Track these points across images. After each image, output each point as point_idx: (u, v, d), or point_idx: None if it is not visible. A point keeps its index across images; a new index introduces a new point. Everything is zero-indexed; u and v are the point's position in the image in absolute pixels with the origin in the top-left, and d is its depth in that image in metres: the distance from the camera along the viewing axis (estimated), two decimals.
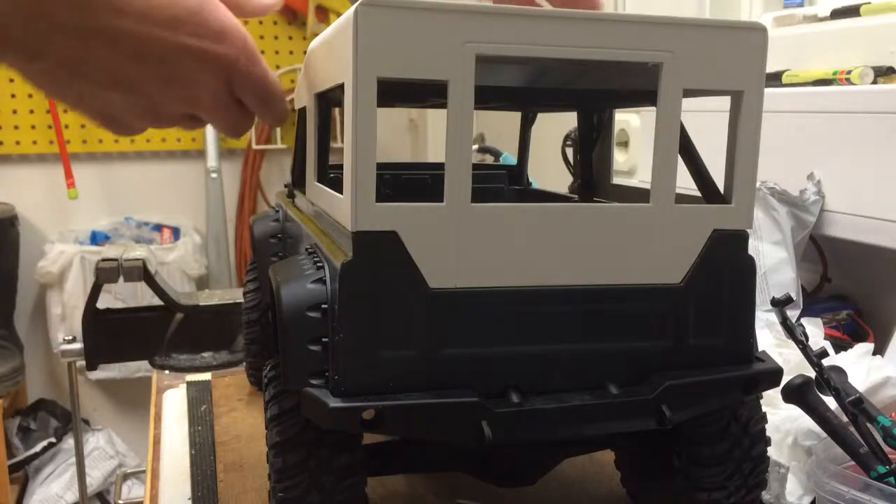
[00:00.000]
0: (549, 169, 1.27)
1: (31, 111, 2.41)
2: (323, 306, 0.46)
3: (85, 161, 2.47)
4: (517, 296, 0.47)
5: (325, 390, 0.46)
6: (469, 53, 0.43)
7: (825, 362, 0.59)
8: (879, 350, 0.80)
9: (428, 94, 0.58)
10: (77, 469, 1.49)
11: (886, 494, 0.51)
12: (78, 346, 1.17)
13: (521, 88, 0.64)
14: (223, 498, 0.70)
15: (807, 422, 0.62)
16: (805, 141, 0.96)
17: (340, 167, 0.48)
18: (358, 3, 0.42)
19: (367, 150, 0.43)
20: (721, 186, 0.52)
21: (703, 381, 0.50)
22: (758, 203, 0.95)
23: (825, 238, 0.97)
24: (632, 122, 1.39)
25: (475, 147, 1.56)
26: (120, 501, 1.84)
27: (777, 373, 0.53)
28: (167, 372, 1.05)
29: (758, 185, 0.95)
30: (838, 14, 1.08)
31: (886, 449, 0.56)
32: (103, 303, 1.09)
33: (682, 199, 0.49)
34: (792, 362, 0.70)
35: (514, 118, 0.84)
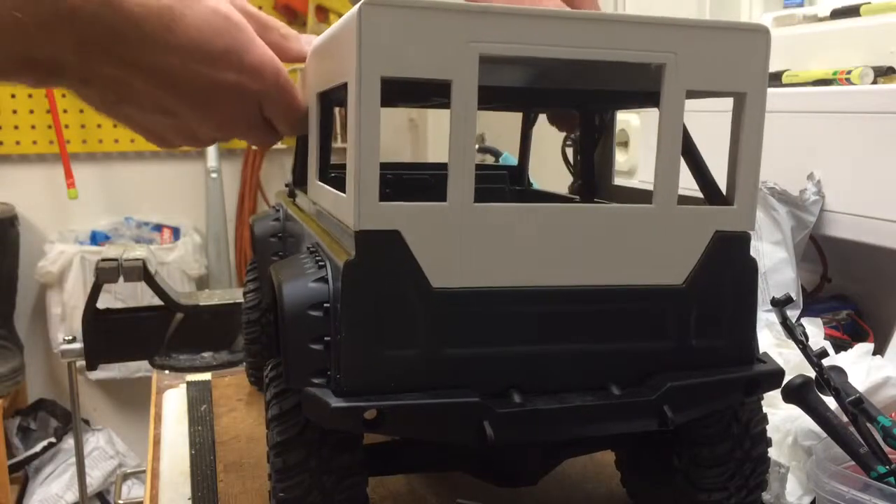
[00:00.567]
0: (550, 169, 1.27)
1: (31, 111, 2.41)
2: (325, 305, 0.46)
3: (85, 161, 2.47)
4: (520, 296, 0.47)
5: (326, 390, 0.46)
6: (473, 53, 0.43)
7: (825, 362, 0.59)
8: (879, 350, 0.80)
9: (430, 93, 0.59)
10: (77, 469, 1.49)
11: (886, 494, 0.51)
12: (78, 346, 1.17)
13: (522, 89, 0.64)
14: (223, 498, 0.70)
15: (807, 422, 0.62)
16: (805, 141, 0.96)
17: (342, 167, 0.48)
18: (362, 2, 0.41)
19: (370, 149, 0.43)
20: (723, 187, 0.52)
21: (704, 382, 0.50)
22: (758, 203, 0.95)
23: (825, 238, 0.97)
24: (632, 122, 1.39)
25: (476, 147, 1.56)
26: (120, 501, 1.84)
27: (778, 374, 0.53)
28: (167, 372, 1.05)
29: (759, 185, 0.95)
30: (838, 14, 1.08)
31: (886, 449, 0.56)
32: (103, 303, 1.09)
33: (683, 200, 0.49)
34: (792, 362, 0.70)
35: (514, 118, 0.84)
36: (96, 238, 2.43)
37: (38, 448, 2.28)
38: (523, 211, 0.47)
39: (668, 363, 0.50)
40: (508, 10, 0.43)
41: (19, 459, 2.27)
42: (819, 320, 0.85)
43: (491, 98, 0.65)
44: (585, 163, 0.74)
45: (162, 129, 0.58)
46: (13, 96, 2.38)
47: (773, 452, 0.61)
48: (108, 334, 1.11)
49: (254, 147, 2.56)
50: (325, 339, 0.46)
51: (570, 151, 0.81)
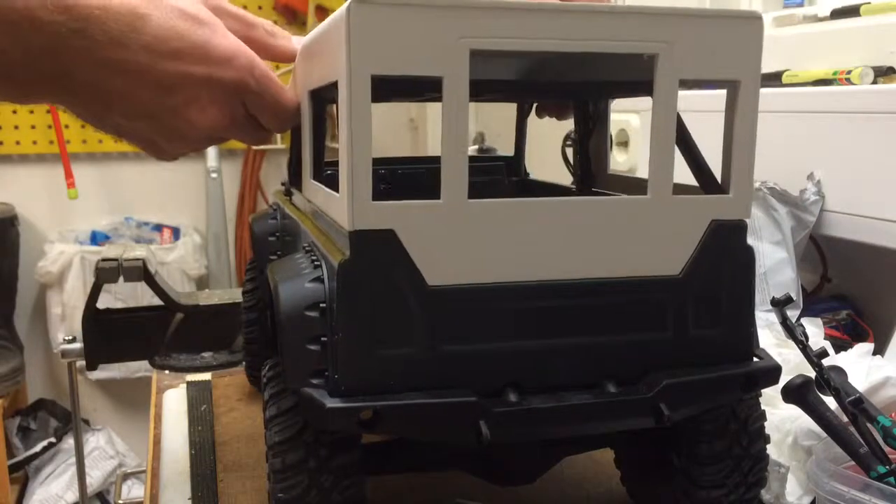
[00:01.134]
0: (550, 169, 1.27)
1: (31, 111, 2.41)
2: (321, 305, 0.46)
3: (85, 161, 2.47)
4: (515, 291, 0.47)
5: (322, 390, 0.46)
6: (463, 49, 0.43)
7: (825, 362, 0.59)
8: (879, 350, 0.79)
9: (424, 88, 0.58)
10: (77, 469, 1.48)
11: (886, 494, 0.51)
12: (78, 346, 1.17)
13: (514, 80, 0.64)
14: (223, 498, 0.69)
15: (807, 422, 0.62)
16: (805, 141, 0.96)
17: (337, 164, 0.48)
18: (350, 1, 0.41)
19: (362, 148, 0.43)
20: (718, 177, 0.52)
21: (701, 379, 0.50)
22: (758, 203, 0.95)
23: (825, 238, 0.97)
24: (632, 122, 1.39)
25: (475, 147, 1.56)
26: (120, 501, 1.83)
27: (776, 370, 0.52)
28: (167, 372, 1.05)
29: (758, 185, 0.95)
30: (838, 14, 1.08)
31: (886, 449, 0.56)
32: (103, 303, 1.09)
33: (678, 189, 0.49)
34: (792, 362, 0.70)
35: (513, 118, 0.84)
36: (96, 238, 2.43)
37: (38, 448, 2.28)
38: (517, 206, 0.47)
39: (666, 357, 0.50)
40: (498, 4, 0.43)
41: (19, 459, 2.27)
42: (819, 320, 0.85)
43: (482, 90, 0.65)
44: (581, 153, 0.74)
45: (150, 134, 0.58)
46: None
47: (773, 452, 0.61)
48: (108, 334, 1.10)
49: (254, 148, 2.57)
50: (322, 339, 0.46)
51: (570, 151, 0.81)
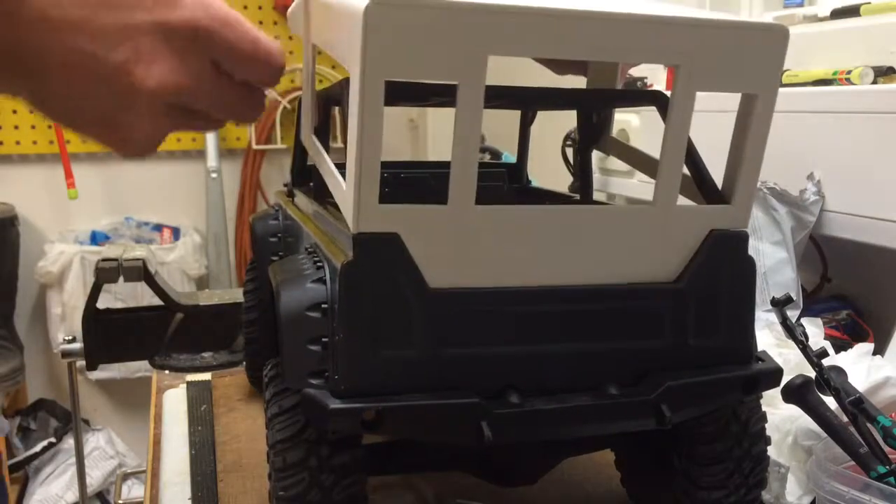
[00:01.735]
0: (550, 169, 1.27)
1: (32, 111, 2.41)
2: (323, 306, 0.46)
3: (85, 161, 2.47)
4: (517, 296, 0.47)
5: (324, 391, 0.46)
6: (481, 55, 0.41)
7: (825, 362, 0.59)
8: (879, 350, 0.79)
9: (430, 93, 0.58)
10: (77, 469, 1.48)
11: (886, 494, 0.51)
12: (78, 346, 1.17)
13: (520, 88, 0.64)
14: (223, 498, 0.69)
15: (807, 422, 0.62)
16: (805, 141, 0.96)
17: (342, 166, 0.48)
18: (368, 2, 0.40)
19: (371, 152, 0.42)
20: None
21: (702, 381, 0.50)
22: (758, 203, 0.95)
23: (825, 238, 0.97)
24: (632, 122, 1.39)
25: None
26: (120, 501, 1.83)
27: (777, 373, 0.53)
28: (167, 372, 1.05)
29: (758, 185, 0.95)
30: (838, 14, 1.08)
31: (886, 449, 0.56)
32: (103, 303, 1.09)
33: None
34: (792, 362, 0.70)
35: (514, 119, 0.84)
36: (96, 238, 2.43)
37: (38, 448, 2.28)
38: (522, 212, 0.47)
39: (666, 362, 0.50)
40: (519, 8, 0.41)
41: (19, 459, 2.27)
42: (819, 320, 0.85)
43: (489, 97, 0.65)
44: (584, 162, 0.74)
45: (105, 109, 0.48)
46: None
47: (773, 452, 0.61)
48: (108, 334, 1.11)
49: (254, 147, 2.57)
50: (323, 339, 0.46)
51: (570, 151, 0.81)
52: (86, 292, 1.15)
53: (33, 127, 2.43)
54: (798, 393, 0.60)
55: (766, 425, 0.57)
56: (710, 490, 0.56)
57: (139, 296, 1.89)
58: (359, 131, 0.42)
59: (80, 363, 1.19)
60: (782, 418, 0.66)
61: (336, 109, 0.63)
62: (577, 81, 0.66)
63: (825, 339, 0.81)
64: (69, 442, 2.29)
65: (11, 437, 2.32)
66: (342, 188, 0.47)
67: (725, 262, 0.50)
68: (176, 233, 2.52)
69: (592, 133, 0.73)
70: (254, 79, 0.51)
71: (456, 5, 0.41)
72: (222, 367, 1.05)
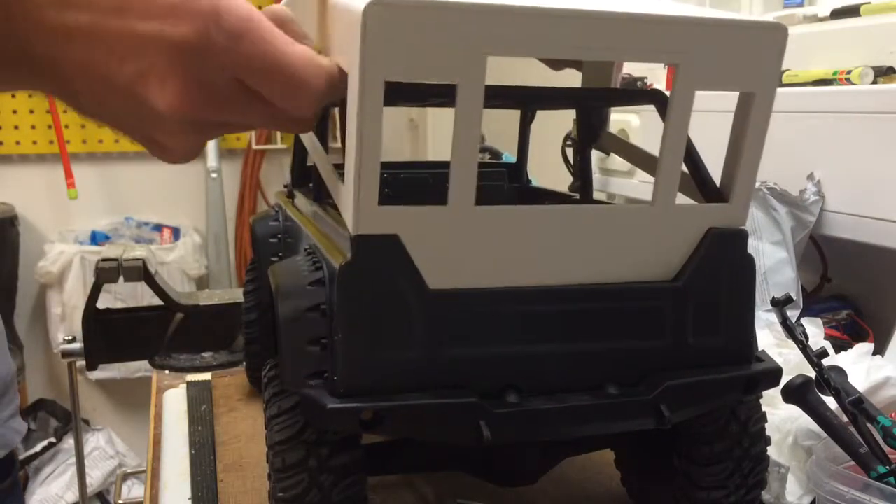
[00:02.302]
0: (549, 169, 1.27)
1: (31, 111, 2.41)
2: (322, 307, 0.46)
3: (85, 161, 2.47)
4: (517, 296, 0.47)
5: (323, 391, 0.46)
6: (481, 55, 0.41)
7: (825, 362, 0.59)
8: (879, 350, 0.79)
9: (429, 93, 0.58)
10: (77, 469, 1.49)
11: (886, 494, 0.51)
12: (78, 346, 1.17)
13: (520, 87, 0.64)
14: (223, 498, 0.69)
15: (807, 422, 0.62)
16: (805, 141, 0.96)
17: (340, 166, 0.48)
18: (367, 2, 0.39)
19: (371, 153, 0.42)
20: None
21: (702, 381, 0.50)
22: (758, 203, 0.95)
23: (825, 238, 0.97)
24: (632, 122, 1.39)
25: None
26: (120, 501, 1.84)
27: (777, 372, 0.52)
28: (167, 372, 1.05)
29: (758, 185, 0.95)
30: (838, 14, 1.07)
31: (886, 449, 0.56)
32: (103, 303, 1.09)
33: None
34: (792, 362, 0.70)
35: (514, 119, 0.84)
36: (96, 238, 2.43)
37: (38, 448, 2.29)
38: (522, 212, 0.47)
39: (666, 361, 0.50)
40: (519, 8, 0.41)
41: (19, 459, 2.27)
42: (819, 320, 0.85)
43: (489, 97, 0.65)
44: (583, 161, 0.74)
45: (130, 119, 0.45)
46: (13, 96, 2.38)
47: (773, 452, 0.61)
48: (108, 334, 1.11)
49: (254, 147, 2.56)
50: (322, 340, 0.46)
51: (570, 151, 0.81)
52: (86, 292, 1.15)
53: (33, 127, 2.43)
54: (798, 393, 0.60)
55: (766, 425, 0.57)
56: (710, 490, 0.56)
57: (139, 296, 1.90)
58: (358, 132, 0.42)
59: (80, 363, 1.19)
60: (782, 418, 0.66)
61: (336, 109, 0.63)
62: (575, 77, 0.66)
63: (825, 339, 0.81)
64: (69, 442, 2.29)
65: None
66: (341, 189, 0.47)
67: (724, 260, 0.50)
68: (176, 233, 2.52)
69: (590, 131, 0.73)
70: (278, 103, 0.43)
71: (455, 5, 0.41)
72: (222, 367, 1.05)
